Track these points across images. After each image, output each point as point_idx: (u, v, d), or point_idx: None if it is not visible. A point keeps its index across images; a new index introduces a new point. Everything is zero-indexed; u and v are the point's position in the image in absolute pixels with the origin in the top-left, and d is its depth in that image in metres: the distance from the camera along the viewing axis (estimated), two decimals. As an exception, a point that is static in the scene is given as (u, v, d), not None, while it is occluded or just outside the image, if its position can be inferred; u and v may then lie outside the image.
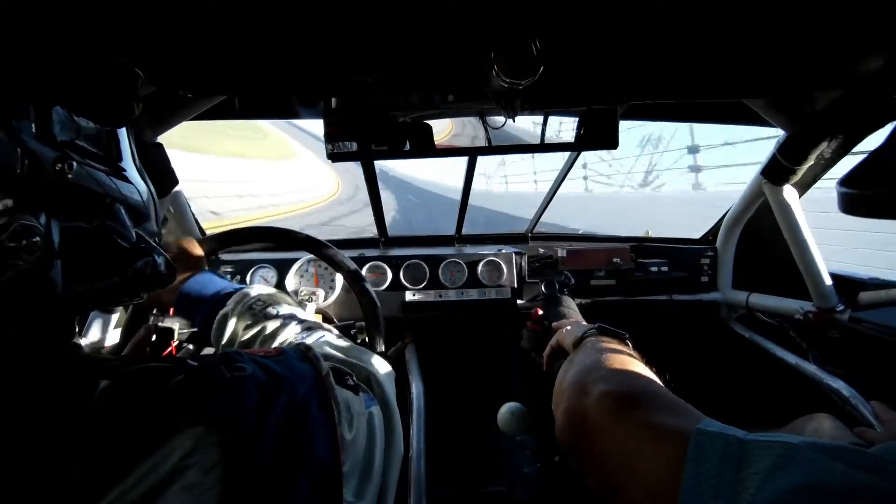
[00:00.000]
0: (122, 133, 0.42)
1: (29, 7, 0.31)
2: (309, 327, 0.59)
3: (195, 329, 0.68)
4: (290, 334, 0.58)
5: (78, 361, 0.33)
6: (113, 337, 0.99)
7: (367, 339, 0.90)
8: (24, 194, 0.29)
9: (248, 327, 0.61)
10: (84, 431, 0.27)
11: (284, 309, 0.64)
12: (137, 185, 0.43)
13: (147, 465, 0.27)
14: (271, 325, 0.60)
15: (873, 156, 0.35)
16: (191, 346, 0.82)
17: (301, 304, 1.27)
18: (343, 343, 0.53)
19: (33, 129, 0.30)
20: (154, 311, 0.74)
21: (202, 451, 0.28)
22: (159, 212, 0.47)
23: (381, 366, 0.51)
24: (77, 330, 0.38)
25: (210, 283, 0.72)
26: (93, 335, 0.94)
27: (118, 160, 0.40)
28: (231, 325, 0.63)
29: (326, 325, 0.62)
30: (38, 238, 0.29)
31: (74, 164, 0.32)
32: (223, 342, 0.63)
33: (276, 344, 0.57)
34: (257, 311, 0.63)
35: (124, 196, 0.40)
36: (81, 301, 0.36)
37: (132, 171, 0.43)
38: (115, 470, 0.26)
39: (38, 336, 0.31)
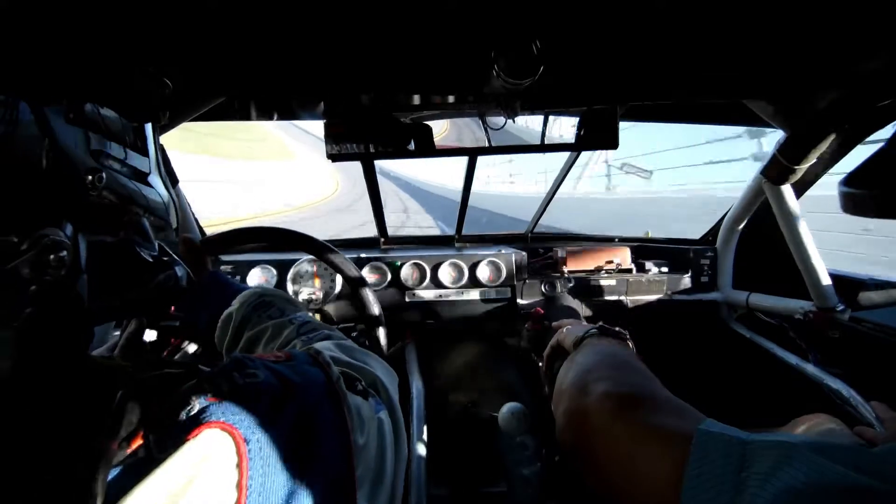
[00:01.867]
0: (150, 139, 0.42)
1: (52, 17, 0.31)
2: (314, 329, 0.59)
3: (199, 327, 0.68)
4: (295, 336, 0.57)
5: (96, 371, 0.33)
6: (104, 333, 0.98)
7: (367, 343, 0.90)
8: (54, 205, 0.29)
9: (252, 327, 0.61)
10: (101, 441, 0.27)
11: (289, 310, 0.64)
12: (160, 191, 0.43)
13: (160, 472, 0.26)
14: (276, 327, 0.60)
15: (878, 154, 0.34)
16: (193, 346, 0.82)
17: (301, 305, 1.27)
18: (349, 346, 0.53)
19: (66, 126, 0.30)
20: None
21: (216, 459, 0.28)
22: (179, 218, 0.48)
23: (386, 370, 0.51)
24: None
25: (216, 282, 0.72)
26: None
27: (144, 168, 0.41)
28: (235, 324, 0.63)
29: (330, 327, 0.61)
30: (65, 253, 0.29)
31: (104, 176, 0.33)
32: (227, 341, 0.63)
33: (279, 344, 0.57)
34: (262, 311, 0.63)
35: (148, 201, 0.40)
36: (104, 314, 0.37)
37: (156, 178, 0.43)
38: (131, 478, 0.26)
39: (60, 348, 0.31)
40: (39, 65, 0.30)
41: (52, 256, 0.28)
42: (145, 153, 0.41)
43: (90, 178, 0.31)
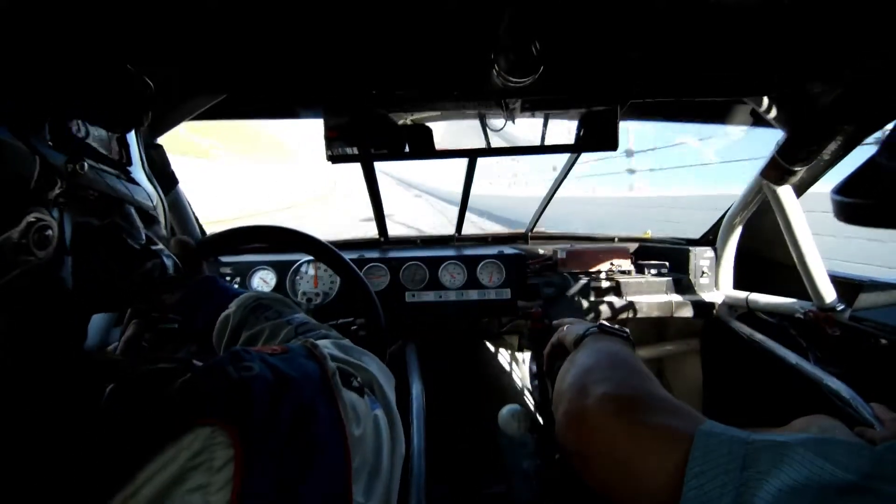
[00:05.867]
0: (132, 139, 0.43)
1: (40, 17, 0.31)
2: (311, 329, 0.59)
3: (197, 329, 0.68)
4: (294, 336, 0.58)
5: (87, 363, 0.33)
6: (105, 334, 0.98)
7: (367, 338, 0.90)
8: (38, 192, 0.29)
9: (249, 329, 0.61)
10: (92, 433, 0.27)
11: (286, 312, 0.64)
12: (147, 189, 0.43)
13: (154, 467, 0.26)
14: (273, 328, 0.60)
15: (868, 163, 0.35)
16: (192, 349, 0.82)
17: (300, 306, 1.27)
18: (346, 345, 0.53)
19: (47, 137, 0.30)
20: (153, 312, 0.74)
21: (210, 452, 0.28)
22: (168, 217, 0.48)
23: (382, 370, 0.51)
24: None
25: (213, 285, 0.72)
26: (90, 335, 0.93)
27: (128, 165, 0.41)
28: (232, 326, 0.63)
29: (328, 327, 0.62)
30: (50, 231, 0.29)
31: (86, 164, 0.32)
32: (224, 343, 0.63)
33: (277, 343, 0.57)
34: (259, 314, 0.63)
35: (135, 200, 0.40)
36: (92, 301, 0.36)
37: (141, 177, 0.43)
38: (123, 472, 0.26)
39: (49, 336, 0.31)
40: (19, 83, 0.29)
41: (36, 236, 0.27)
42: (128, 154, 0.41)
43: (71, 166, 0.31)
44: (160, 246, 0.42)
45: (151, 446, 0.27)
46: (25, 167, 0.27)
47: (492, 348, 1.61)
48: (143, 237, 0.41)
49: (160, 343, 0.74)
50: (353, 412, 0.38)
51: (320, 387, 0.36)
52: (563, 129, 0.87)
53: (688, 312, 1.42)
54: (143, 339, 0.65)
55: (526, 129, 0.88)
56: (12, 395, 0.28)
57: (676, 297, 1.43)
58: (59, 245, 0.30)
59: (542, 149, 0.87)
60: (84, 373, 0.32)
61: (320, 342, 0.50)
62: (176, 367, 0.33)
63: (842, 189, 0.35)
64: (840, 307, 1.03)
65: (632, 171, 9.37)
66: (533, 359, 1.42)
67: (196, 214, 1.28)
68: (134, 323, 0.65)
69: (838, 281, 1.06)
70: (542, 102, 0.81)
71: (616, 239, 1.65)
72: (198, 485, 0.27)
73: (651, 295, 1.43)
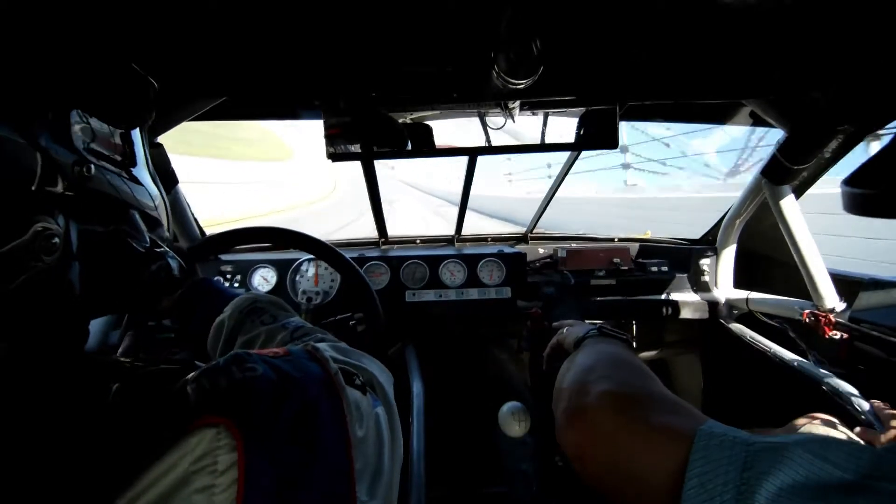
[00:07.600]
0: (137, 139, 0.43)
1: (46, 13, 0.31)
2: (307, 333, 0.59)
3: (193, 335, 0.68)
4: (289, 340, 0.58)
5: (91, 364, 0.33)
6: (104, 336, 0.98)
7: (366, 333, 0.89)
8: (43, 197, 0.29)
9: (244, 333, 0.61)
10: (96, 435, 0.27)
11: (282, 316, 0.64)
12: (150, 189, 0.43)
13: (160, 468, 0.26)
14: (269, 332, 0.60)
15: (879, 155, 0.35)
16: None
17: (301, 305, 1.27)
18: (344, 348, 0.53)
19: (52, 133, 0.30)
20: (151, 318, 0.74)
21: (215, 453, 0.28)
22: (170, 217, 0.48)
23: (381, 370, 0.51)
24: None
25: (208, 288, 0.72)
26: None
27: (132, 165, 0.41)
28: (228, 331, 0.63)
29: (324, 332, 0.61)
30: (56, 239, 0.29)
31: (92, 167, 0.32)
32: (220, 348, 0.63)
33: (273, 347, 0.57)
34: (255, 317, 0.63)
35: (138, 201, 0.40)
36: (97, 305, 0.37)
37: (145, 176, 0.43)
38: (128, 474, 0.26)
39: (54, 339, 0.32)
40: (24, 77, 0.29)
41: (42, 243, 0.28)
42: (133, 153, 0.41)
43: (77, 169, 0.31)
44: (164, 248, 0.42)
45: (157, 446, 0.27)
46: (28, 164, 0.27)
47: (492, 348, 1.61)
48: (148, 240, 0.41)
49: (156, 351, 0.74)
50: (357, 411, 0.38)
51: (324, 386, 0.36)
52: (563, 127, 0.87)
53: (688, 313, 1.42)
54: (140, 348, 0.65)
55: (526, 125, 0.88)
56: (19, 397, 0.28)
57: (676, 298, 1.42)
58: (66, 251, 0.30)
59: (543, 147, 0.87)
60: (89, 373, 0.32)
61: (319, 345, 0.50)
62: (179, 368, 0.33)
63: (850, 180, 0.36)
64: (840, 307, 1.03)
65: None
66: (533, 359, 1.42)
67: (195, 215, 1.28)
68: (130, 334, 0.65)
69: (838, 279, 1.06)
70: (542, 103, 0.81)
71: (616, 239, 1.65)
72: (203, 486, 0.27)
73: (651, 295, 1.43)
